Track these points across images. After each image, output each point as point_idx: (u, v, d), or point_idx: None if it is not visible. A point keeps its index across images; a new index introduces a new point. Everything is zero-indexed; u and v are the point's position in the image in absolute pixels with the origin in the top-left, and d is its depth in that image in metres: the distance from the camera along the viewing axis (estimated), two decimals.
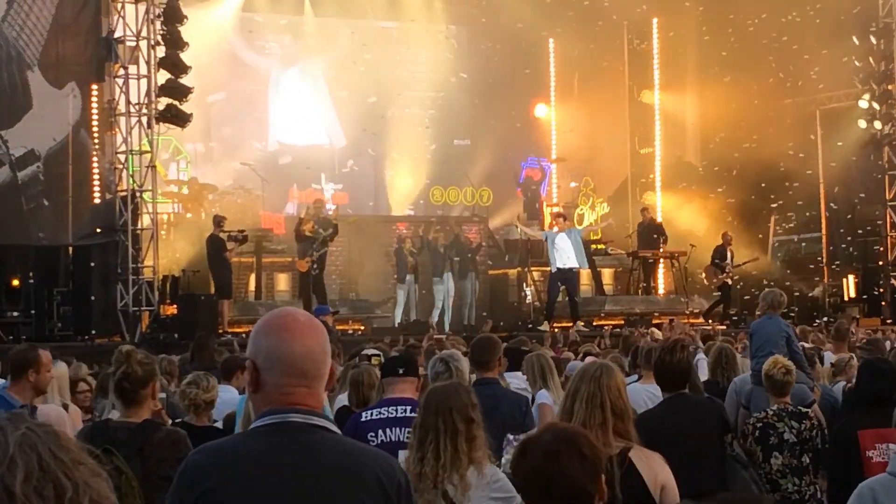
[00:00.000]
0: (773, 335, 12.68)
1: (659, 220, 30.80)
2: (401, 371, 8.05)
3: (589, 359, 12.02)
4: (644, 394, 9.53)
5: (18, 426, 2.68)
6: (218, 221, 25.56)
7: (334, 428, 3.68)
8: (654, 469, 5.98)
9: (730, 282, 28.57)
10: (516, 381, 11.22)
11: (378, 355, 11.15)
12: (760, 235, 32.16)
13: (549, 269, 30.43)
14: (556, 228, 27.03)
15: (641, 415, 8.18)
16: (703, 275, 29.31)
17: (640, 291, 29.75)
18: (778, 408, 8.90)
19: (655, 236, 29.57)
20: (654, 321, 26.32)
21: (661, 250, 29.58)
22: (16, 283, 24.06)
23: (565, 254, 26.47)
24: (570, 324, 25.71)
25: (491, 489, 5.87)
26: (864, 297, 30.04)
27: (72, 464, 2.70)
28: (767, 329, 12.93)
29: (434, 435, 5.89)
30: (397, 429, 7.57)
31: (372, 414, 7.74)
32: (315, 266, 26.45)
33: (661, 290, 32.54)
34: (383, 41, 33.06)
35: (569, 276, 26.73)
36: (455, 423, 5.92)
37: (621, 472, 5.79)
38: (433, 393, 6.19)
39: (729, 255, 28.70)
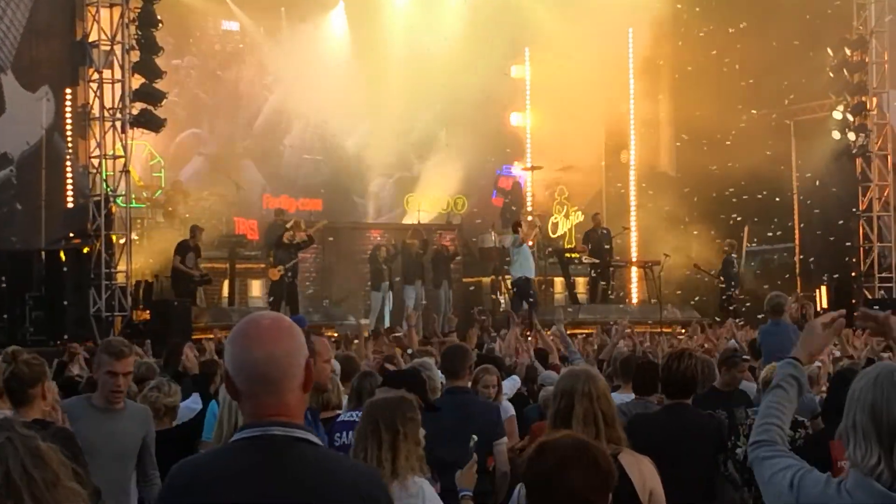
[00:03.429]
0: (785, 344, 12.57)
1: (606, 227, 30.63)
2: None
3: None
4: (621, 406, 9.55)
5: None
6: (193, 232, 25.57)
7: (315, 439, 3.66)
8: (644, 473, 5.99)
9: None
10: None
11: None
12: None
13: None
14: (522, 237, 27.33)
15: (641, 416, 8.15)
16: None
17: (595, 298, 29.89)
18: None
19: (607, 246, 29.79)
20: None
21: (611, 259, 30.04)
22: None
23: (530, 264, 27.05)
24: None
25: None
26: (837, 307, 30.07)
27: (43, 483, 2.63)
28: (776, 337, 12.80)
29: (363, 445, 5.87)
30: None
31: (349, 416, 7.86)
32: (289, 274, 26.44)
33: (634, 299, 32.64)
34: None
35: (532, 286, 27.32)
36: (381, 433, 5.89)
37: None
38: (370, 403, 6.16)
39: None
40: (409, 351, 13.64)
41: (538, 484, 3.89)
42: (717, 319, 26.42)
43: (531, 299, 26.60)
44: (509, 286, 29.92)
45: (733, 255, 29.29)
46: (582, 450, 3.91)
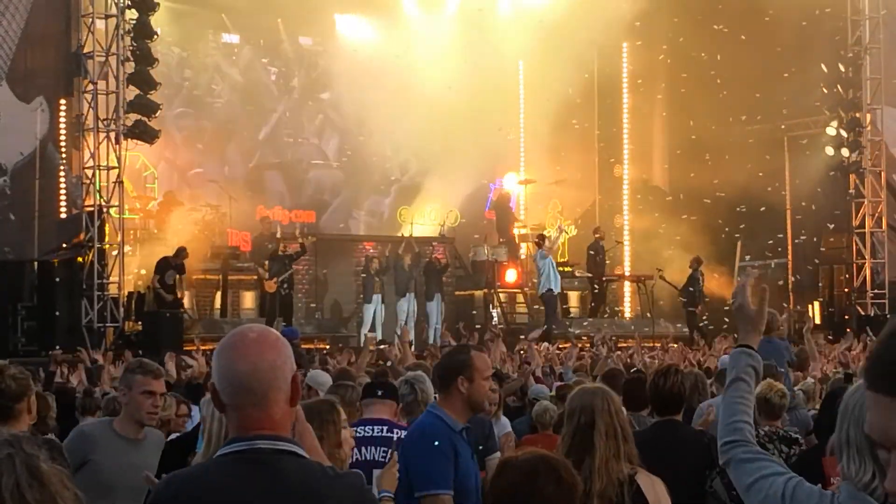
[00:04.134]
0: (777, 361, 12.50)
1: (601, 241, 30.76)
2: (380, 393, 8.10)
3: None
4: None
5: (1, 450, 2.60)
6: (178, 252, 25.49)
7: (300, 451, 3.64)
8: (659, 495, 5.98)
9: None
10: None
11: None
12: (725, 261, 32.23)
13: (515, 290, 30.67)
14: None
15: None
16: None
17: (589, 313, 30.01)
18: (769, 429, 8.78)
19: (600, 258, 29.96)
20: (621, 344, 26.33)
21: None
22: None
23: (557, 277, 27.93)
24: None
25: None
26: (830, 323, 30.07)
27: None
28: (769, 354, 12.75)
29: None
30: (373, 448, 7.68)
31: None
32: (285, 286, 26.42)
33: (627, 314, 32.63)
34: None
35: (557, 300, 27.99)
36: None
37: (630, 496, 5.81)
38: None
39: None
40: (389, 362, 13.59)
41: (501, 499, 3.89)
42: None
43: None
44: (501, 300, 30.00)
45: (699, 272, 29.24)
46: (544, 463, 3.92)
